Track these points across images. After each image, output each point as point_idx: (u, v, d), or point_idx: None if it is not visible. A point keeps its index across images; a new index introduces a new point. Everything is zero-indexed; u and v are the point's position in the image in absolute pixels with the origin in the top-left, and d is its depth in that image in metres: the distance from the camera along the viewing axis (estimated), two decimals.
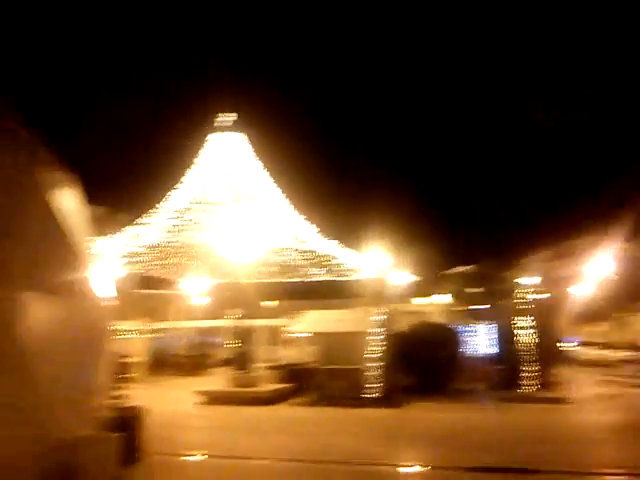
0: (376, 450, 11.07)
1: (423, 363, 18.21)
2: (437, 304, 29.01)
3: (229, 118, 29.44)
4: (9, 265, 8.19)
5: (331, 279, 29.13)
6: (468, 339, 21.63)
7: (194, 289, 35.81)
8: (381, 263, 26.91)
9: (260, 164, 29.30)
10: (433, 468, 9.96)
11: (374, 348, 17.69)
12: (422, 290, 31.55)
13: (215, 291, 33.69)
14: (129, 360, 25.35)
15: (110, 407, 9.92)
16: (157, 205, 32.17)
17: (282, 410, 16.74)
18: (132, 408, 10.49)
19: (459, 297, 28.88)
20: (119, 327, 28.08)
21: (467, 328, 22.23)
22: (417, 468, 10.08)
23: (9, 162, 8.80)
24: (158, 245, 31.66)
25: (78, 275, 9.60)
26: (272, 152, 30.30)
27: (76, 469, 8.08)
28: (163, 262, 32.19)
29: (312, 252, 29.05)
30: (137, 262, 32.59)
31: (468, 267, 32.87)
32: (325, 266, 28.77)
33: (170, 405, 17.41)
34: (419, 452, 11.16)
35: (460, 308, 26.75)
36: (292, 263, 29.64)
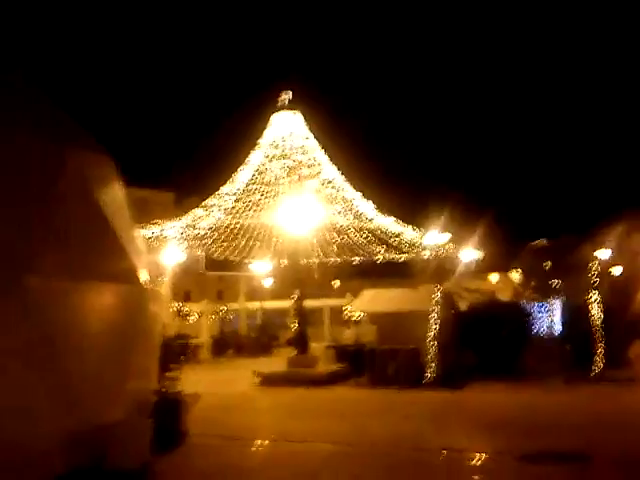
0: (428, 434, 10.55)
1: (485, 342, 17.42)
2: (504, 280, 27.89)
3: (285, 96, 29.03)
4: (40, 252, 8.07)
5: (392, 257, 28.48)
6: (536, 317, 20.60)
7: (259, 270, 35.96)
8: (443, 239, 26.07)
9: (315, 142, 28.82)
10: (486, 454, 9.35)
11: (434, 327, 17.03)
12: (489, 266, 30.43)
13: (278, 272, 33.69)
14: (193, 342, 25.69)
15: (149, 392, 9.80)
16: (222, 187, 32.28)
17: (337, 392, 16.39)
18: (173, 392, 10.32)
19: (528, 273, 27.68)
20: (184, 309, 28.53)
21: (535, 305, 21.19)
22: (469, 454, 9.48)
23: (38, 145, 8.69)
24: (222, 227, 31.79)
25: (119, 260, 9.44)
26: (326, 128, 29.80)
27: (104, 454, 7.96)
28: (227, 244, 32.32)
29: (372, 230, 28.45)
30: (202, 244, 32.85)
31: (539, 241, 31.45)
32: (385, 244, 28.11)
33: (226, 387, 17.40)
34: (473, 437, 10.55)
35: (528, 284, 25.64)
36: (352, 241, 29.15)
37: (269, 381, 17.42)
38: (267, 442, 10.65)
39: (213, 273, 46.25)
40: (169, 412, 9.70)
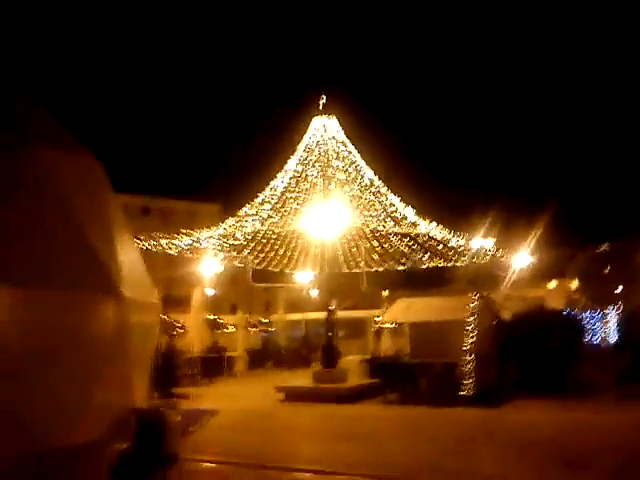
0: (450, 463, 9.21)
1: (531, 355, 15.87)
2: (557, 287, 26.00)
3: (322, 101, 28.07)
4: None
5: (435, 264, 27.02)
6: (589, 326, 18.88)
7: (303, 280, 35.02)
8: (489, 244, 24.54)
9: (352, 146, 27.73)
10: None
11: (473, 339, 15.61)
12: (542, 273, 28.54)
13: (319, 282, 32.65)
14: (228, 354, 24.90)
15: (128, 411, 8.85)
16: (259, 195, 31.54)
17: (363, 410, 15.11)
18: (155, 412, 9.30)
19: (584, 279, 25.78)
20: (219, 321, 27.79)
21: (588, 314, 19.48)
22: None
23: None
24: (260, 236, 31.03)
25: (92, 267, 8.58)
26: (363, 132, 28.69)
27: None
28: (266, 254, 31.53)
29: (414, 236, 27.08)
30: (241, 255, 32.17)
31: (596, 247, 29.44)
32: (429, 250, 26.68)
33: (250, 402, 16.42)
34: (500, 466, 9.11)
35: (584, 291, 23.80)
36: (394, 249, 27.83)
37: (294, 397, 16.30)
38: (269, 469, 9.52)
39: (259, 284, 45.62)
40: (149, 434, 8.69)
